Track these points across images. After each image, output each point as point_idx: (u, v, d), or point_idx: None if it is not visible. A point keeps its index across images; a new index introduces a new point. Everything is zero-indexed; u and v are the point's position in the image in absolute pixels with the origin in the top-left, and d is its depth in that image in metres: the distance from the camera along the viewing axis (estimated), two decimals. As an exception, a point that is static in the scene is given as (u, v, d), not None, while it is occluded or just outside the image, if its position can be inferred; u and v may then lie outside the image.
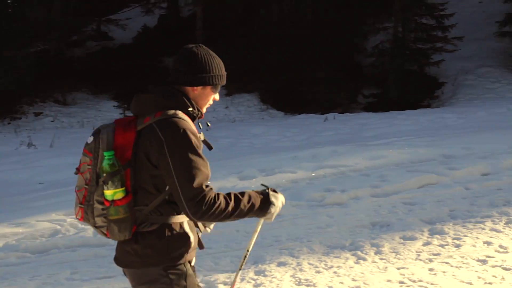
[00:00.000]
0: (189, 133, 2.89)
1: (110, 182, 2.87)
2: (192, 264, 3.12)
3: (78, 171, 3.02)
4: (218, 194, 2.91)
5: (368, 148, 10.16)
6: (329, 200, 7.45)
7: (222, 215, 2.91)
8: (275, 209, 3.11)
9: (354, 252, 5.91)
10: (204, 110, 3.14)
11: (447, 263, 5.55)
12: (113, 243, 3.08)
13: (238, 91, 19.97)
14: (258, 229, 3.34)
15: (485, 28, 23.02)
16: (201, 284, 3.23)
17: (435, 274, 5.33)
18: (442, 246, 5.96)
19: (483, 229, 6.35)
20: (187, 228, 3.03)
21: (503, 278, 5.14)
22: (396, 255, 5.79)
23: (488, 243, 5.97)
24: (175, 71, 3.06)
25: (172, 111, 2.93)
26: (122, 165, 2.93)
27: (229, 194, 2.97)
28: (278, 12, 21.34)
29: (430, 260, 5.63)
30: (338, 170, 8.67)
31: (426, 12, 21.07)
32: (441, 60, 20.85)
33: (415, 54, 20.87)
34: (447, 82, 20.65)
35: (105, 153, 2.89)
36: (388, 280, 5.24)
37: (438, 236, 6.21)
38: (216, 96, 3.18)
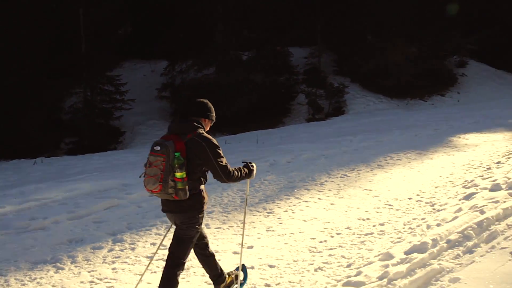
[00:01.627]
0: (215, 140, 4.02)
1: (181, 168, 3.85)
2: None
3: (151, 165, 3.88)
4: (233, 169, 4.07)
5: (67, 183, 9.63)
6: (33, 227, 6.79)
7: (238, 178, 4.10)
8: (255, 172, 4.32)
9: (54, 264, 5.54)
10: None
11: (125, 262, 5.57)
12: None
13: None
14: (248, 187, 4.64)
15: (150, 92, 23.92)
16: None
17: (116, 272, 5.30)
18: (122, 250, 5.95)
19: (150, 234, 6.52)
20: (205, 191, 4.15)
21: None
22: (87, 262, 5.60)
23: (153, 244, 6.16)
24: (196, 110, 4.15)
25: (201, 130, 4.06)
26: None
27: (235, 168, 4.11)
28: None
29: (113, 262, 5.58)
30: (41, 202, 8.00)
31: (107, 81, 21.00)
32: (121, 115, 20.98)
33: (102, 112, 20.55)
34: (126, 131, 20.83)
35: (176, 154, 3.87)
36: (82, 282, 5.05)
37: (119, 243, 6.17)
38: (207, 128, 4.23)
